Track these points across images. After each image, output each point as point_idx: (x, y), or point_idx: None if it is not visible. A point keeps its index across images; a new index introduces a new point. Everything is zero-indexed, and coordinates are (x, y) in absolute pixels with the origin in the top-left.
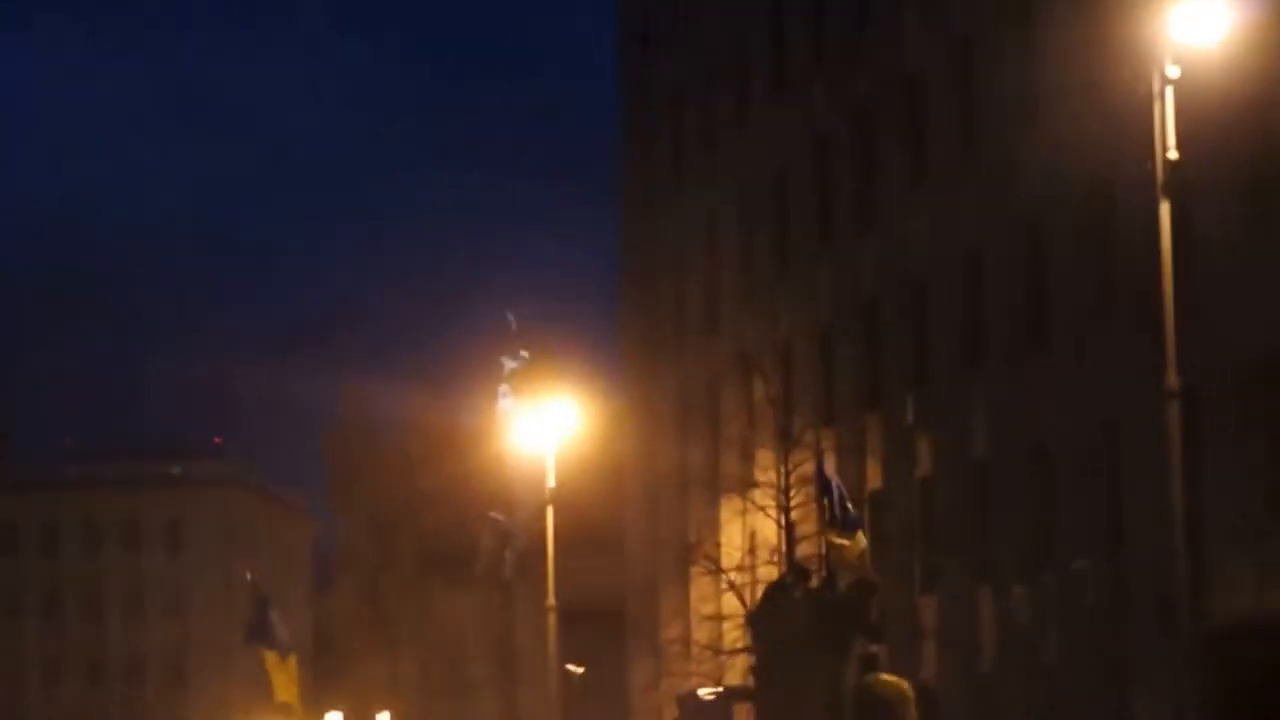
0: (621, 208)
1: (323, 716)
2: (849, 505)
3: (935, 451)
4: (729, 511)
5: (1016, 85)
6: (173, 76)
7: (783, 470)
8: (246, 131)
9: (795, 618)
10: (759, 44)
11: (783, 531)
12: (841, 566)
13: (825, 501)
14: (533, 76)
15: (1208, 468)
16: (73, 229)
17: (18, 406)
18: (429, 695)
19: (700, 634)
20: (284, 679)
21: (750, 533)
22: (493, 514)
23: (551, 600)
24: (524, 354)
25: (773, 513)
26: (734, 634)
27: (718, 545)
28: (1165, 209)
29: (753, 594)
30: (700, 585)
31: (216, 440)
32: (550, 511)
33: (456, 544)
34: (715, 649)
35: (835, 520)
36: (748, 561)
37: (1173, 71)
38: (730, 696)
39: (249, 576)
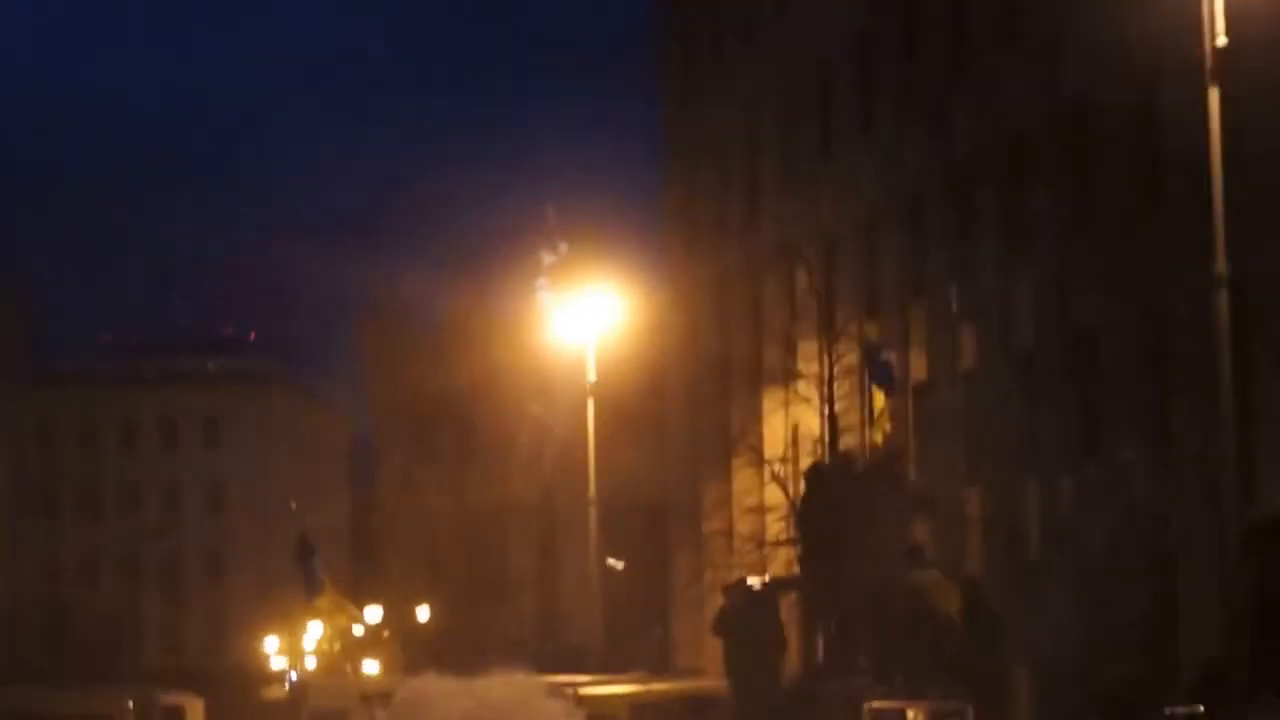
0: (662, 97)
1: (362, 610)
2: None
3: (980, 342)
4: (771, 403)
5: None
6: None
7: (826, 361)
8: (281, 25)
9: (841, 503)
10: None
11: (825, 423)
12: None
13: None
14: None
15: (1256, 357)
16: (98, 124)
17: (51, 301)
18: (470, 589)
19: (743, 526)
20: (335, 608)
21: (793, 424)
22: (532, 408)
23: (592, 493)
24: (563, 246)
25: (816, 404)
26: (777, 526)
27: (760, 437)
28: (1214, 94)
29: (795, 486)
30: (743, 477)
31: (251, 335)
32: (591, 404)
33: (495, 438)
34: (758, 541)
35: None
36: (790, 453)
37: None
38: (777, 585)
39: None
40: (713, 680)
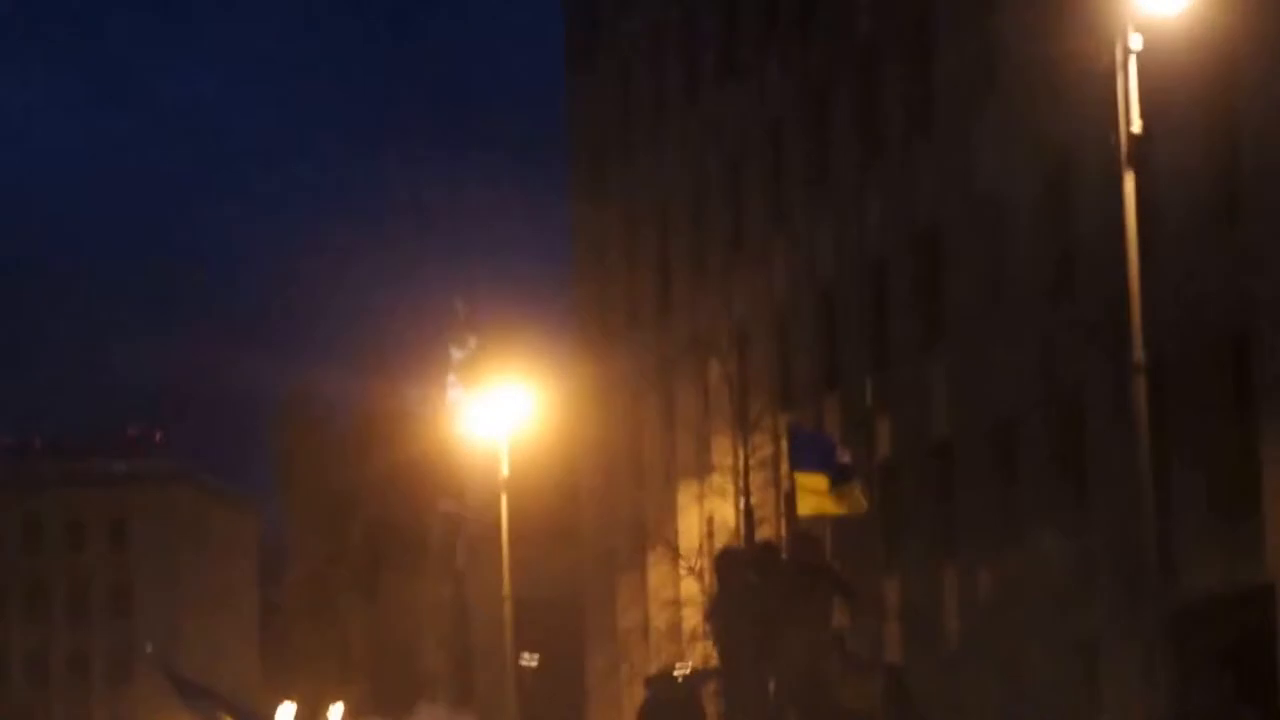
0: (572, 189)
1: (274, 711)
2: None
3: (895, 432)
4: (686, 496)
5: (973, 58)
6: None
7: (741, 454)
8: (168, 116)
9: (755, 591)
10: (709, 21)
11: (741, 515)
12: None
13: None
14: (482, 59)
15: (1172, 445)
16: None
17: None
18: (382, 687)
19: (659, 620)
20: None
21: (708, 517)
22: (443, 503)
23: (507, 589)
24: (472, 342)
25: (731, 496)
26: (694, 619)
27: (675, 530)
28: (1130, 181)
29: (711, 578)
30: (658, 571)
31: (158, 436)
32: (504, 499)
33: (407, 534)
34: (674, 634)
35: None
36: (706, 546)
37: (1136, 42)
38: (701, 676)
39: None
40: None
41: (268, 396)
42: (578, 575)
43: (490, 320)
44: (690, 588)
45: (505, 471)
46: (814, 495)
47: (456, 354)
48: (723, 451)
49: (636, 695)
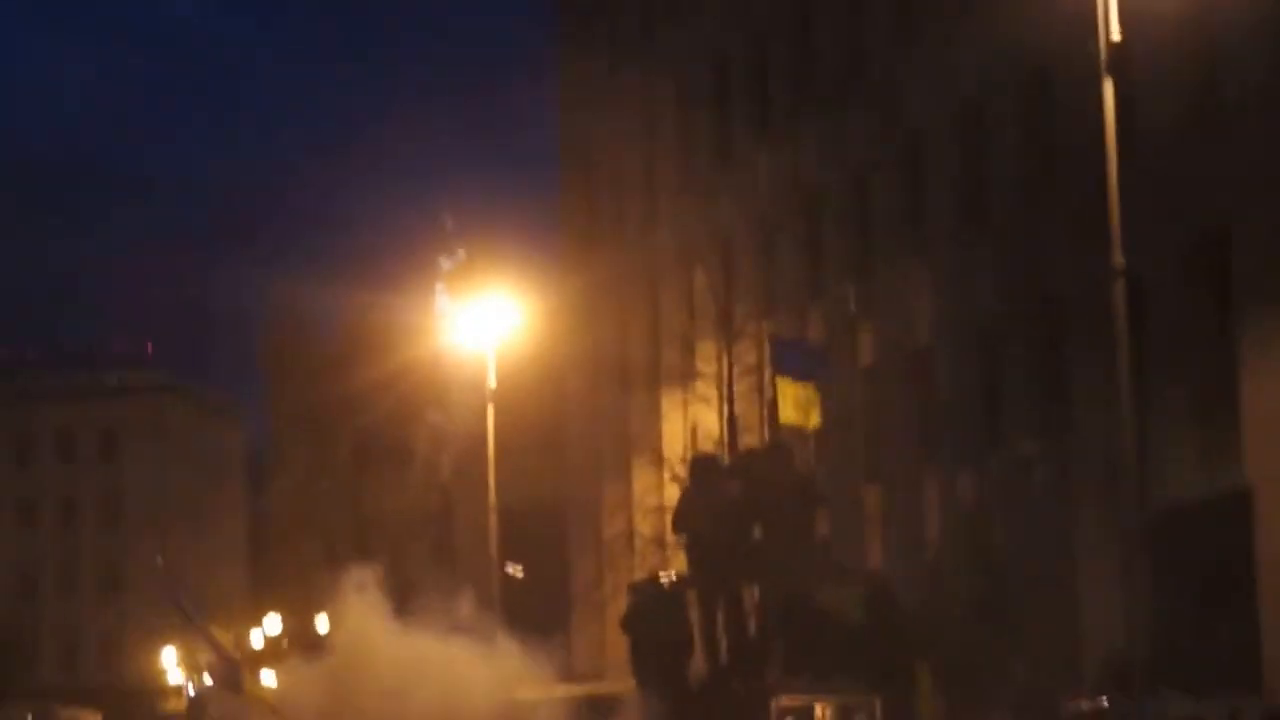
0: (558, 100)
1: (261, 620)
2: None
3: (878, 339)
4: (670, 404)
5: None
6: None
7: (725, 361)
8: (155, 30)
9: (734, 502)
10: None
11: (725, 422)
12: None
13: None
14: None
15: (1153, 350)
16: None
17: None
18: None
19: (644, 527)
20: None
21: (692, 425)
22: (430, 415)
23: (492, 500)
24: (460, 253)
25: (715, 404)
26: None
27: (660, 438)
28: (1109, 88)
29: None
30: (643, 478)
31: (148, 349)
32: (490, 409)
33: (393, 445)
34: (659, 541)
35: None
36: (690, 454)
37: None
38: (686, 583)
39: (159, 562)
40: (614, 683)
41: (257, 309)
42: (563, 484)
43: (478, 231)
44: (675, 495)
45: (492, 382)
46: (796, 404)
47: (444, 265)
48: (707, 359)
49: (621, 604)
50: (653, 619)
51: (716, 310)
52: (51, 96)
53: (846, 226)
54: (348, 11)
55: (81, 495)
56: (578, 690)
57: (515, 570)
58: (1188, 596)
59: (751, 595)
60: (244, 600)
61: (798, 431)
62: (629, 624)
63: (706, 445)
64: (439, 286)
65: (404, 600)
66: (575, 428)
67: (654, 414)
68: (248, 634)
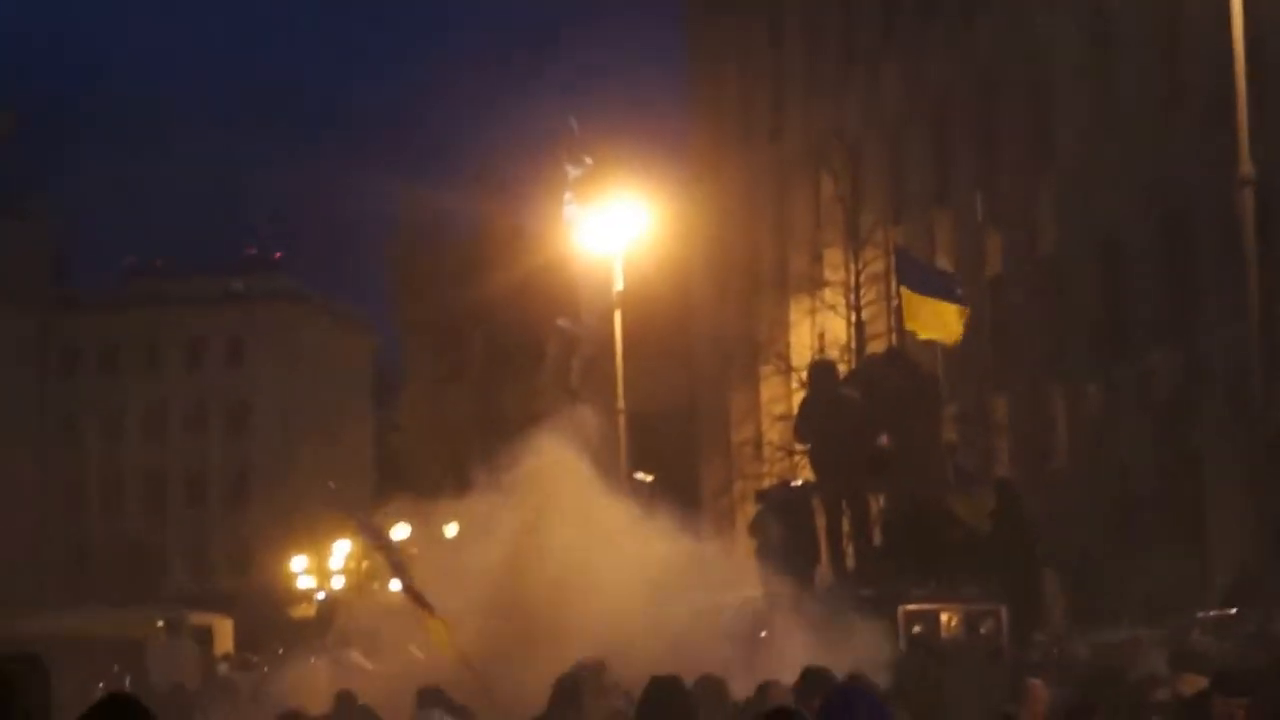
0: (687, 6)
1: (389, 532)
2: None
3: (1005, 248)
4: (798, 311)
5: None
6: None
7: (852, 269)
8: None
9: (852, 407)
10: None
11: (853, 329)
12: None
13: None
14: None
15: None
16: (116, 41)
17: (77, 226)
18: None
19: (772, 434)
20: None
21: (820, 332)
22: (559, 320)
23: (621, 404)
24: (588, 160)
25: (842, 311)
26: None
27: (787, 345)
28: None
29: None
30: (771, 385)
31: (276, 255)
32: (618, 315)
33: (522, 351)
34: (787, 449)
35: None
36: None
37: None
38: (811, 489)
39: (331, 486)
40: (743, 591)
41: (385, 216)
42: (692, 391)
43: (606, 138)
44: None
45: (619, 287)
46: (922, 315)
47: (572, 172)
48: (835, 266)
49: (749, 510)
50: (778, 515)
51: (844, 217)
52: (189, 9)
53: (973, 134)
54: None
55: (209, 402)
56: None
57: (645, 478)
58: None
59: (878, 502)
60: (372, 510)
61: (925, 341)
62: (756, 530)
63: (834, 353)
64: (567, 195)
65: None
66: (703, 332)
67: (782, 321)
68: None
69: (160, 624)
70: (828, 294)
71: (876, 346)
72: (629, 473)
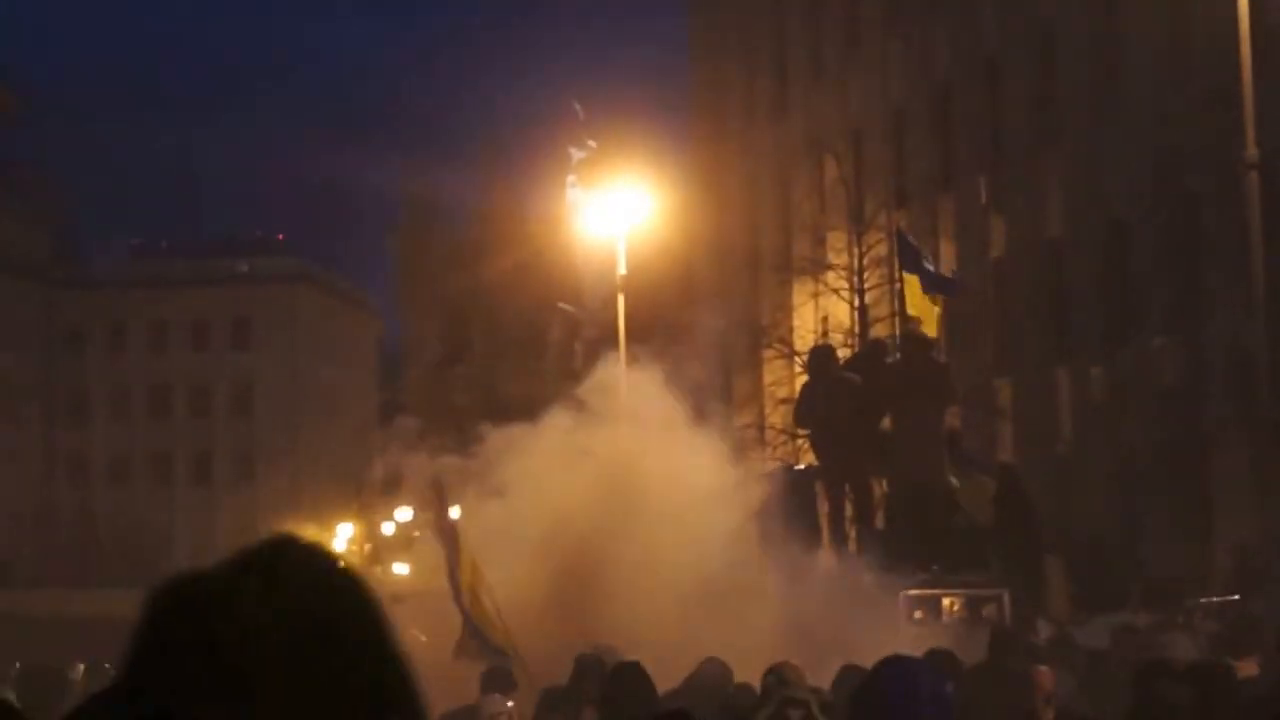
0: None
1: (391, 512)
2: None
3: (1009, 231)
4: (801, 295)
5: None
6: None
7: (856, 252)
8: None
9: (855, 391)
10: None
11: (856, 313)
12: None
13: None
14: None
15: None
16: (128, 22)
17: (80, 206)
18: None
19: (775, 418)
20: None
21: (823, 316)
22: (562, 304)
23: (624, 388)
24: (591, 143)
25: (846, 295)
26: None
27: (790, 329)
28: None
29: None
30: (773, 369)
31: (280, 236)
32: (621, 298)
33: (526, 335)
34: (790, 432)
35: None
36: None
37: None
38: (814, 473)
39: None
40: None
41: (389, 198)
42: (693, 374)
43: (609, 121)
44: None
45: (622, 270)
46: (922, 299)
47: (575, 155)
48: (838, 249)
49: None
50: (782, 509)
51: (847, 200)
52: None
53: (977, 117)
54: None
55: (214, 383)
56: None
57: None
58: None
59: (880, 486)
60: (376, 491)
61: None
62: (759, 514)
63: (837, 336)
64: (570, 178)
65: None
66: (706, 316)
67: (784, 305)
68: (379, 524)
69: None
70: (831, 278)
71: (880, 330)
72: None
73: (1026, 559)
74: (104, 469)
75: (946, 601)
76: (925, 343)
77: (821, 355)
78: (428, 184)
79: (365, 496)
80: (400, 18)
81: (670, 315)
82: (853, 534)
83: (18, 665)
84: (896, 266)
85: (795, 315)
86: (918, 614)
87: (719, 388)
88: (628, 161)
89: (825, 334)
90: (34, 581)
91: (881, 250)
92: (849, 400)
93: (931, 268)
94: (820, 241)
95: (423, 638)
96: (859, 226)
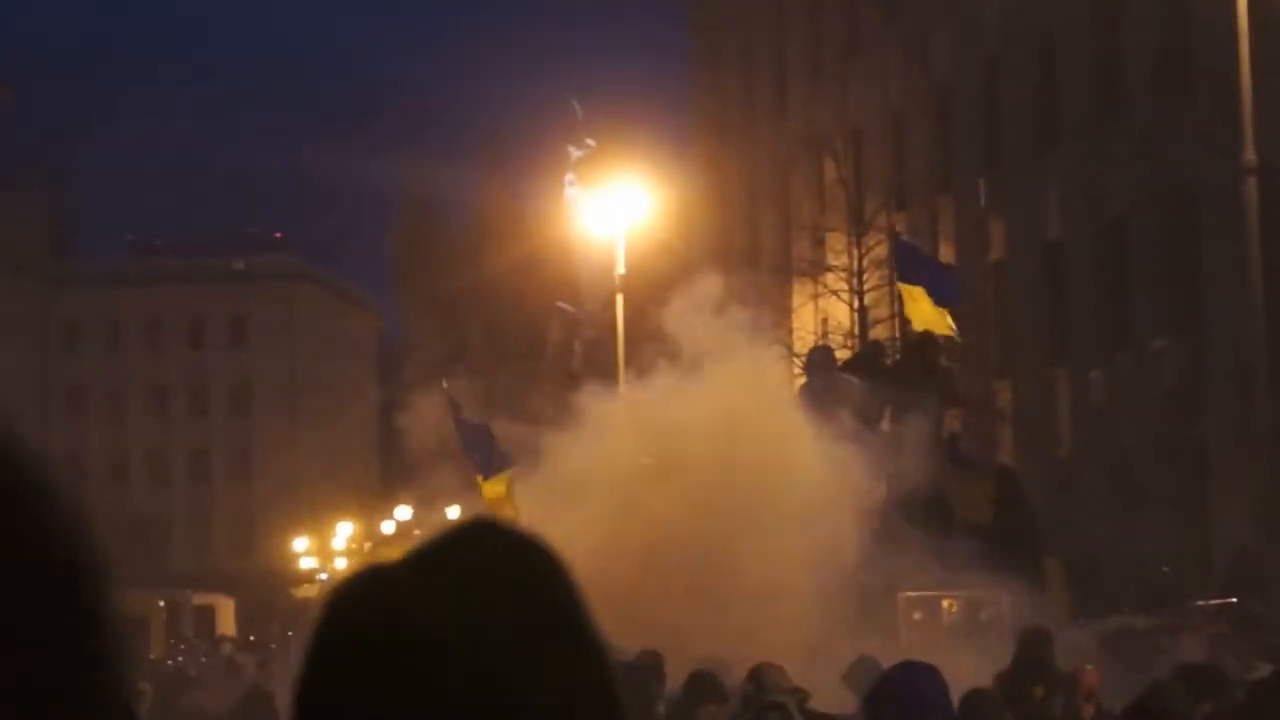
0: None
1: (391, 511)
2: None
3: (1008, 233)
4: (801, 295)
5: None
6: None
7: (855, 253)
8: None
9: (850, 391)
10: None
11: (856, 315)
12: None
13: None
14: None
15: None
16: (123, 17)
17: (78, 203)
18: None
19: None
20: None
21: (823, 317)
22: (560, 303)
23: (622, 389)
24: (590, 142)
25: (845, 296)
26: None
27: (790, 329)
28: None
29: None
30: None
31: (277, 234)
32: (620, 298)
33: (524, 333)
34: None
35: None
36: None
37: None
38: None
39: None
40: None
41: (387, 196)
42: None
43: (608, 120)
44: None
45: (621, 269)
46: (922, 308)
47: (574, 153)
48: (837, 251)
49: None
50: None
51: (847, 202)
52: None
53: (977, 119)
54: None
55: (211, 381)
56: None
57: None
58: None
59: (879, 489)
60: (374, 489)
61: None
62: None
63: (837, 338)
64: (569, 177)
65: None
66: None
67: (784, 306)
68: (378, 523)
69: (161, 604)
70: (830, 279)
71: (879, 332)
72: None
73: (1025, 562)
74: (101, 467)
75: (945, 603)
76: (935, 347)
77: (820, 356)
78: (426, 181)
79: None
80: (401, 14)
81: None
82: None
83: None
84: (899, 275)
85: (795, 316)
86: (916, 615)
87: None
88: (627, 161)
89: (825, 335)
90: None
91: (881, 252)
92: (846, 401)
93: (934, 271)
94: (820, 242)
95: None
96: (859, 228)
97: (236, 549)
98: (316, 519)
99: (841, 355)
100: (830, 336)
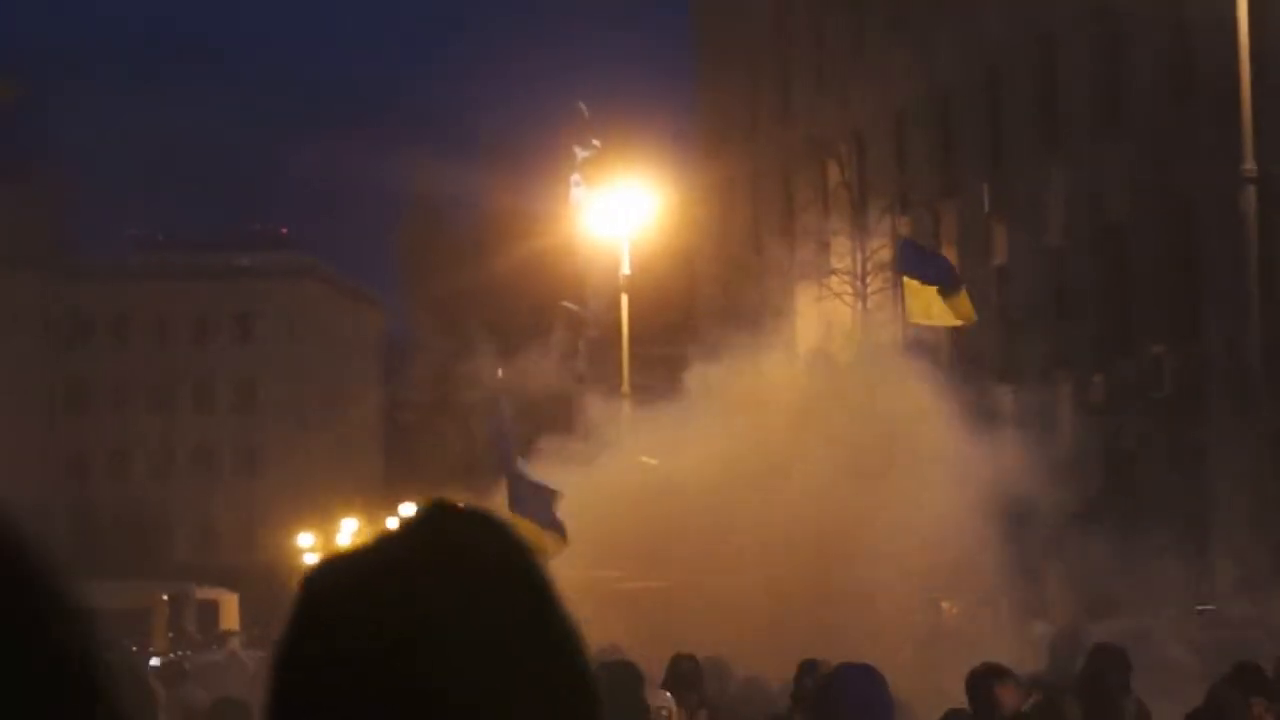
0: None
1: (396, 508)
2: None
3: (1011, 239)
4: (804, 298)
5: None
6: None
7: (859, 257)
8: None
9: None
10: None
11: (859, 317)
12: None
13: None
14: None
15: None
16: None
17: (81, 198)
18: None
19: None
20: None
21: (826, 321)
22: (565, 303)
23: (625, 389)
24: (596, 143)
25: (849, 299)
26: None
27: (793, 332)
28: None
29: None
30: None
31: (283, 230)
32: (624, 299)
33: (530, 333)
34: None
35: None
36: (824, 348)
37: None
38: None
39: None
40: None
41: (394, 194)
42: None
43: (614, 122)
44: None
45: (626, 270)
46: (924, 302)
47: (580, 154)
48: (841, 254)
49: None
50: None
51: (850, 205)
52: None
53: (980, 124)
54: None
55: (217, 378)
56: None
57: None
58: None
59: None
60: (379, 487)
61: (933, 331)
62: None
63: (841, 340)
64: (574, 177)
65: None
66: (708, 318)
67: (788, 308)
68: (383, 519)
69: (165, 598)
70: (834, 282)
71: (883, 336)
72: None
73: (1025, 564)
74: (105, 462)
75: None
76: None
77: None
78: (432, 180)
79: (369, 490)
80: (407, 12)
81: (673, 315)
82: None
83: None
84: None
85: (798, 319)
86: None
87: None
88: (632, 162)
89: (829, 338)
90: None
91: (885, 255)
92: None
93: (937, 265)
94: (823, 246)
95: None
96: (862, 232)
97: (241, 544)
98: (321, 514)
99: (844, 358)
100: (834, 339)
